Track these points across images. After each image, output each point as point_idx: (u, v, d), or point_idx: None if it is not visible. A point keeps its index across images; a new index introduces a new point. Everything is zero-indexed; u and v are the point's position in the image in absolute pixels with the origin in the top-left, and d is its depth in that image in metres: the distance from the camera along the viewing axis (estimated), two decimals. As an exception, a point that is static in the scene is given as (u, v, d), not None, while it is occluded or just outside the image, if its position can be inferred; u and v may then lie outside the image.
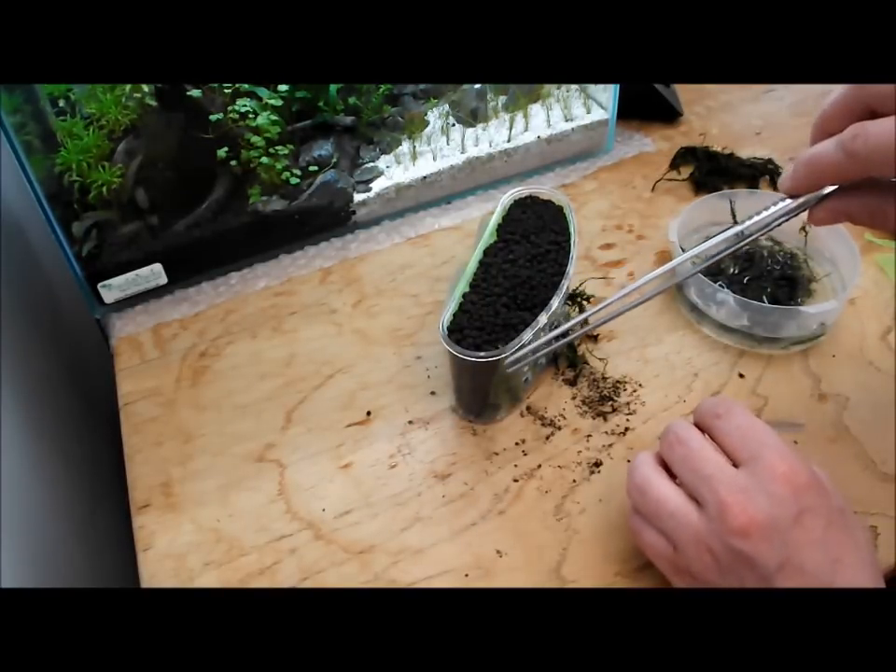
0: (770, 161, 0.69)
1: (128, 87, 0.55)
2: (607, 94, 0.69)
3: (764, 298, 0.54)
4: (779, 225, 0.39)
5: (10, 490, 0.49)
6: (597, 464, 0.48)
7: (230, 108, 0.57)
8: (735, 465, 0.37)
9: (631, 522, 0.40)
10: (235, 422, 0.52)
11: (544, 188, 0.56)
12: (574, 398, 0.52)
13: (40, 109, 0.54)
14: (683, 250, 0.57)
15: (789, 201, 0.38)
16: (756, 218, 0.39)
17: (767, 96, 0.79)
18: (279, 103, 0.59)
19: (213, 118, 0.57)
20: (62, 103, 0.55)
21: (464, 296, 0.49)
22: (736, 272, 0.57)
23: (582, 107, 0.70)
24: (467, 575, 0.44)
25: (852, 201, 0.37)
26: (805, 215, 0.60)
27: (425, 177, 0.66)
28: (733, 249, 0.41)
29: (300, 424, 0.52)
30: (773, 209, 0.39)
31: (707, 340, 0.56)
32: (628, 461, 0.48)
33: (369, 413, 0.52)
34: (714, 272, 0.57)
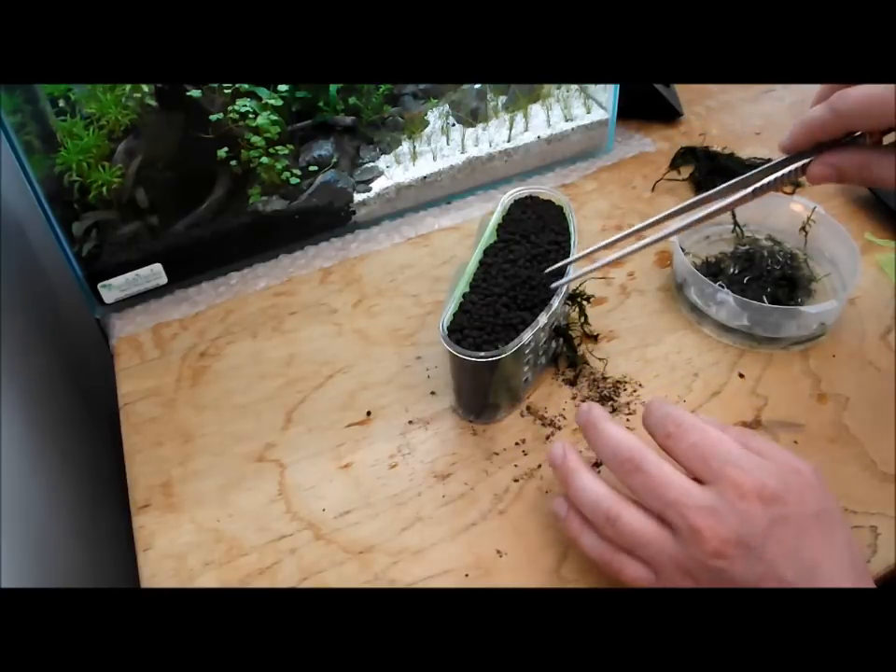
0: (770, 160, 0.69)
1: (128, 87, 0.55)
2: (607, 94, 0.69)
3: (764, 298, 0.54)
4: (777, 183, 0.42)
5: (10, 490, 0.49)
6: (598, 464, 0.48)
7: (230, 108, 0.57)
8: (698, 481, 0.36)
9: (611, 561, 0.38)
10: (235, 422, 0.52)
11: (544, 188, 0.56)
12: (574, 398, 0.52)
13: (40, 109, 0.54)
14: (684, 251, 0.57)
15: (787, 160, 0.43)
16: (764, 182, 0.42)
17: (767, 96, 0.79)
18: (279, 103, 0.59)
19: (213, 118, 0.57)
20: (62, 103, 0.55)
21: (464, 296, 0.49)
22: (736, 272, 0.57)
23: (582, 107, 0.70)
24: (467, 575, 0.44)
25: (842, 156, 0.40)
26: (804, 217, 0.60)
27: (425, 177, 0.66)
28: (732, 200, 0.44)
29: (300, 424, 0.52)
30: (774, 176, 0.42)
31: (707, 340, 0.56)
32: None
33: (369, 413, 0.52)
34: (714, 272, 0.58)
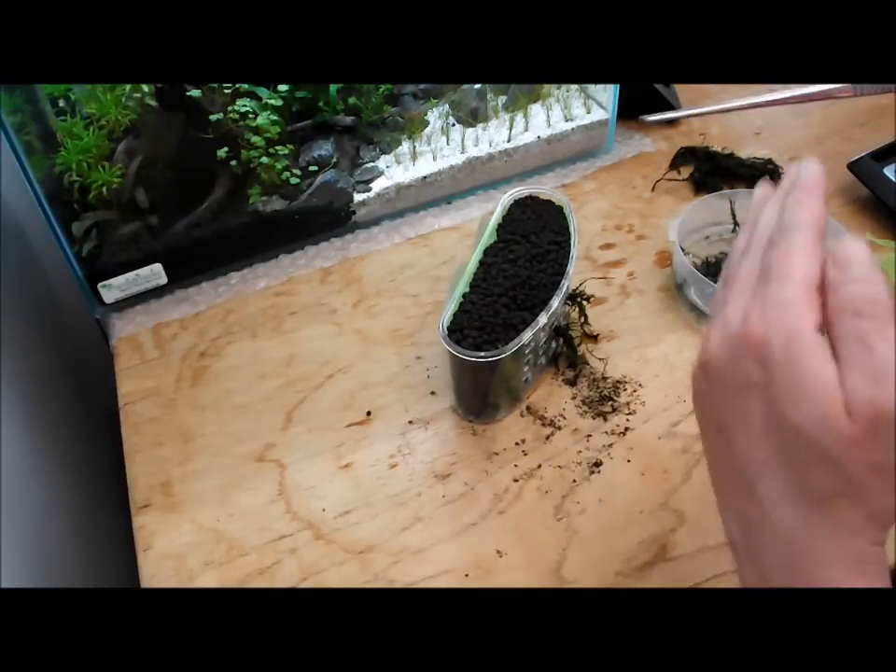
0: (770, 161, 0.69)
1: (128, 87, 0.55)
2: (607, 94, 0.69)
3: (764, 298, 0.54)
4: (881, 91, 0.45)
5: (10, 490, 0.49)
6: (597, 464, 0.48)
7: (230, 108, 0.57)
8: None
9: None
10: (235, 422, 0.52)
11: (544, 188, 0.56)
12: (574, 398, 0.52)
13: (40, 109, 0.54)
14: (684, 251, 0.57)
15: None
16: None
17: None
18: (279, 103, 0.59)
19: (213, 118, 0.57)
20: (62, 103, 0.55)
21: (464, 296, 0.49)
22: (736, 272, 0.57)
23: (582, 107, 0.70)
24: (467, 575, 0.44)
25: None
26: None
27: (425, 177, 0.66)
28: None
29: (300, 424, 0.52)
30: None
31: (707, 340, 0.56)
32: (628, 461, 0.48)
33: (369, 413, 0.52)
34: (714, 272, 0.57)
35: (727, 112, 0.48)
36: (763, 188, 0.36)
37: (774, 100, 0.46)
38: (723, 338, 0.31)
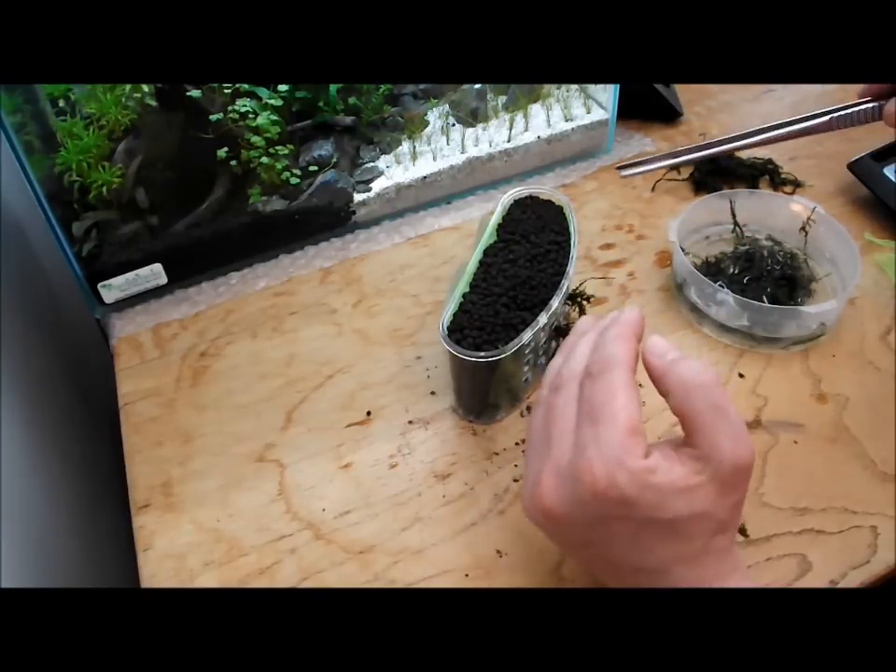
0: (770, 161, 0.69)
1: (128, 87, 0.55)
2: (607, 94, 0.69)
3: (764, 298, 0.54)
4: (854, 119, 0.45)
5: (10, 490, 0.49)
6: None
7: (230, 108, 0.57)
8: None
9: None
10: (235, 422, 0.52)
11: (544, 188, 0.56)
12: (574, 398, 0.52)
13: (40, 109, 0.54)
14: (684, 251, 0.57)
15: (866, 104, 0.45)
16: (841, 113, 0.45)
17: (767, 96, 0.78)
18: (279, 103, 0.59)
19: (213, 118, 0.57)
20: (62, 103, 0.55)
21: (464, 296, 0.49)
22: (736, 272, 0.57)
23: (582, 107, 0.70)
24: (467, 575, 0.44)
25: None
26: (804, 216, 0.60)
27: (425, 177, 0.66)
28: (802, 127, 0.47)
29: (300, 424, 0.52)
30: (852, 109, 0.45)
31: (707, 340, 0.56)
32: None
33: (369, 413, 0.52)
34: (714, 272, 0.58)
35: (705, 155, 0.50)
36: (584, 320, 0.41)
37: (746, 144, 0.48)
38: (559, 485, 0.34)
